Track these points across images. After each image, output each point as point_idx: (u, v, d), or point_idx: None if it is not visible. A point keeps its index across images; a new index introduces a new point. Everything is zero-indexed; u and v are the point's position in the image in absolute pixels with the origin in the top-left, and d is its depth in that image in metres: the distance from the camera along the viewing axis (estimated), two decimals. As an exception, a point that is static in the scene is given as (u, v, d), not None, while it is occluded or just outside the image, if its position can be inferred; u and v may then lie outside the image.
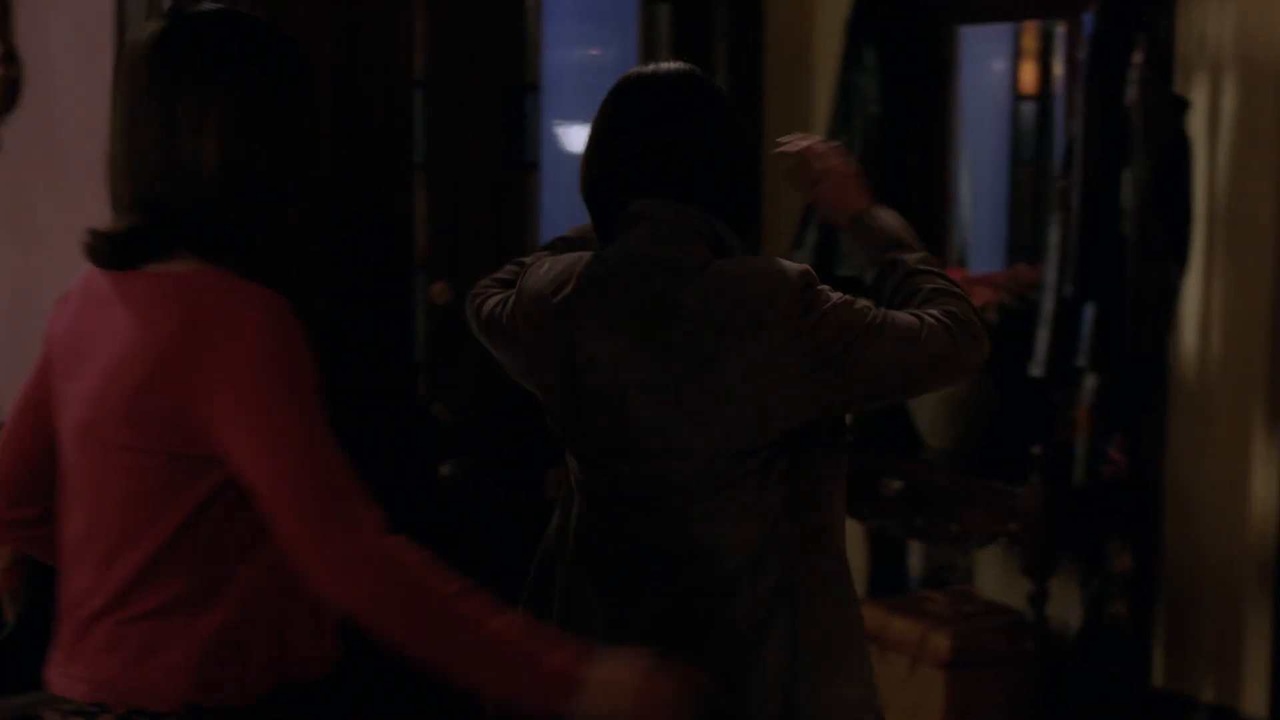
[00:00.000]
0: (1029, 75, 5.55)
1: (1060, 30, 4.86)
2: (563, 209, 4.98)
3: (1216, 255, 4.47)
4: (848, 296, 2.21)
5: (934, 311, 2.23)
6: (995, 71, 5.57)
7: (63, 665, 2.08)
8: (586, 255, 2.33)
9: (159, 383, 1.97)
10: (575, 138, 5.10)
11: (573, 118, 5.05)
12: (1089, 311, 4.35)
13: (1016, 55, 5.53)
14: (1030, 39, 5.48)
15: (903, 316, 2.22)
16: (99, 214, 2.12)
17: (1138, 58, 4.23)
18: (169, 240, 2.03)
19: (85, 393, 2.05)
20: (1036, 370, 4.43)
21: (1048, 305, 4.41)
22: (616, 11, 5.22)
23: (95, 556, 2.05)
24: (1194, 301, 4.48)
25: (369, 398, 3.80)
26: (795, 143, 2.56)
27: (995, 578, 5.01)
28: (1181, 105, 4.33)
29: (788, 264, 2.22)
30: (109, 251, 2.05)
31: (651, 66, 2.39)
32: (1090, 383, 4.39)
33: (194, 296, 2.00)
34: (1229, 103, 4.42)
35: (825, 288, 2.22)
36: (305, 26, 3.58)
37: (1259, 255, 4.36)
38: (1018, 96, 5.58)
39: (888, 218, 2.44)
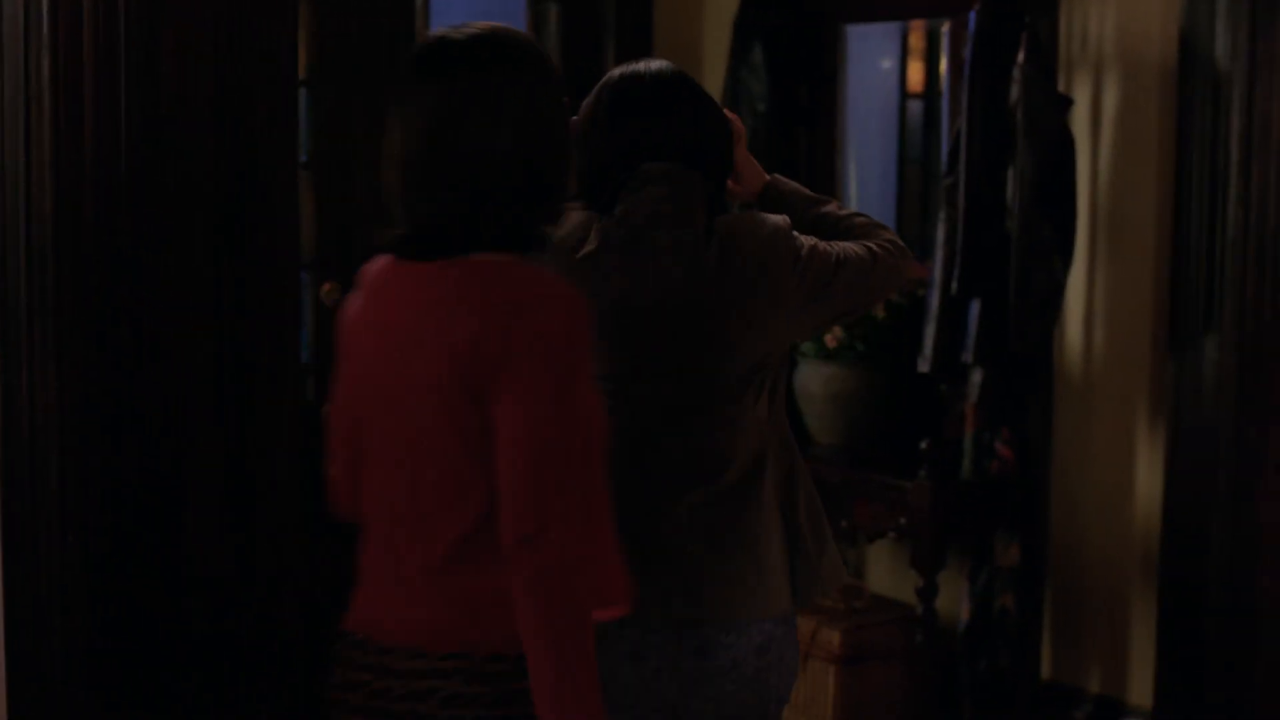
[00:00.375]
0: (916, 74, 5.60)
1: (945, 29, 4.90)
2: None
3: (1100, 252, 4.52)
4: (811, 239, 2.61)
5: (871, 244, 2.69)
6: (882, 70, 5.61)
7: (377, 612, 2.29)
8: (594, 214, 2.62)
9: (472, 362, 2.16)
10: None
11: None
12: (975, 308, 4.39)
13: (903, 54, 5.57)
14: (917, 38, 5.52)
15: (853, 249, 2.65)
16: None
17: (1020, 56, 4.28)
18: (479, 234, 2.25)
19: (409, 370, 2.23)
20: (924, 366, 4.47)
21: (934, 302, 4.45)
22: (504, 11, 5.20)
23: (420, 518, 2.25)
24: (1078, 298, 4.53)
25: (257, 400, 3.77)
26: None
27: (884, 572, 5.05)
28: (1064, 103, 4.38)
29: (773, 217, 2.60)
30: (423, 245, 2.27)
31: (642, 64, 2.76)
32: (976, 378, 4.44)
33: (514, 281, 2.22)
34: (1111, 100, 4.48)
35: (797, 234, 2.60)
36: (184, 23, 3.54)
37: (1142, 252, 4.42)
38: (905, 95, 5.62)
39: (787, 180, 2.86)
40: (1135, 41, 4.42)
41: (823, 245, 2.62)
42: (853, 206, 4.91)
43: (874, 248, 2.68)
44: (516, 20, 5.19)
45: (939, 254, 4.44)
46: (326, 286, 4.63)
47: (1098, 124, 4.50)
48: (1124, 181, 4.46)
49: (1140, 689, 4.49)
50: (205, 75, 3.54)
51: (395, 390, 2.26)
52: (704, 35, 5.51)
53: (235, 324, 3.67)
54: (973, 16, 4.37)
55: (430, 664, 2.22)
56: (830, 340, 4.53)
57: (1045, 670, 4.66)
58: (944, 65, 4.92)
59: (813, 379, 4.63)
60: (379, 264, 2.38)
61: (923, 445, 4.37)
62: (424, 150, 2.27)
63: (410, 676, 2.24)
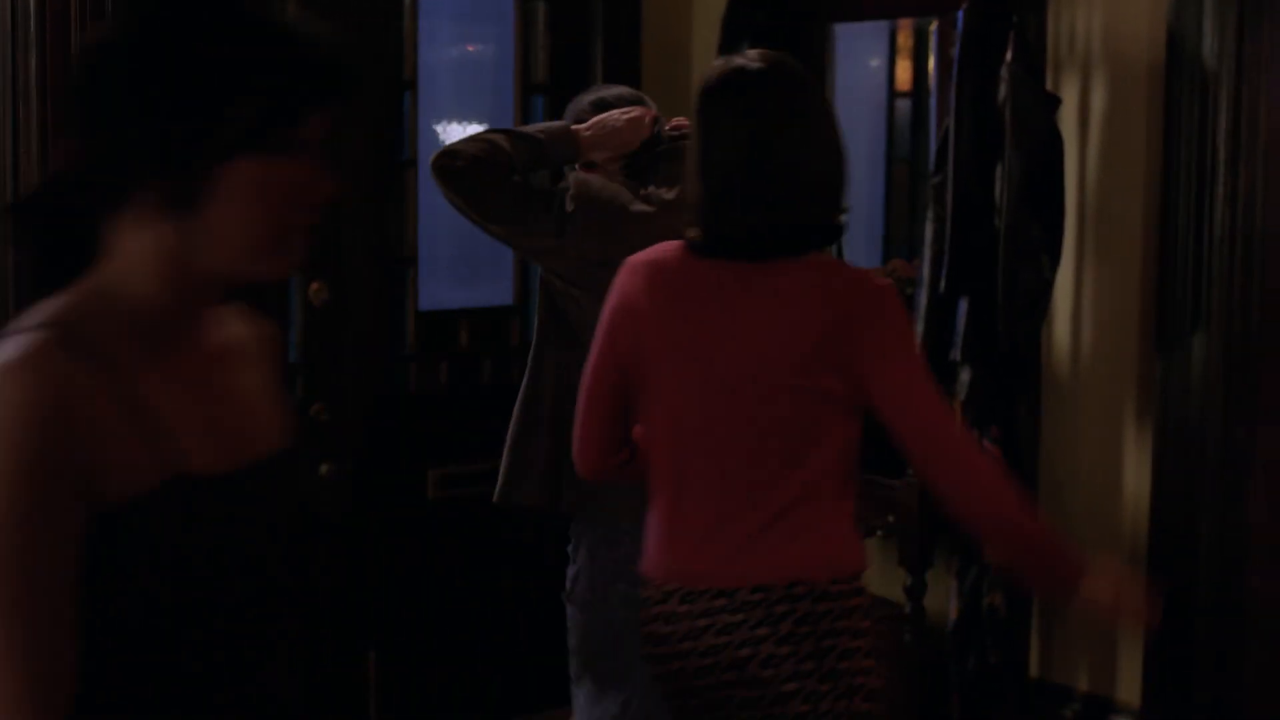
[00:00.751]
0: (904, 73, 5.60)
1: (934, 28, 4.91)
2: (441, 207, 4.95)
3: (1088, 251, 4.53)
4: None
5: None
6: (871, 68, 5.61)
7: (713, 563, 2.73)
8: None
9: (835, 339, 2.67)
10: (453, 135, 5.07)
11: (449, 115, 5.02)
12: (963, 306, 4.39)
13: (892, 53, 5.57)
14: (905, 37, 5.52)
15: None
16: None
17: (1008, 55, 4.29)
18: (807, 236, 2.74)
19: (761, 352, 2.68)
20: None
21: (922, 300, 4.45)
22: (493, 9, 5.19)
23: (759, 479, 2.71)
24: (1066, 297, 4.54)
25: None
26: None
27: (873, 570, 5.03)
28: (1053, 102, 4.38)
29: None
30: (757, 247, 2.71)
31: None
32: (965, 377, 4.44)
33: (849, 277, 2.76)
34: (1099, 99, 4.48)
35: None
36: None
37: (1129, 251, 4.43)
38: (893, 93, 5.63)
39: None
40: (1123, 41, 4.42)
41: None
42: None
43: None
44: (505, 18, 5.18)
45: (927, 253, 4.44)
46: (314, 286, 4.62)
47: (1085, 123, 4.51)
48: (1112, 180, 4.47)
49: (1129, 687, 4.50)
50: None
51: (740, 370, 2.69)
52: (693, 34, 5.51)
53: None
54: (961, 16, 4.37)
55: (779, 594, 2.69)
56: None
57: (1033, 668, 4.67)
58: (932, 64, 4.92)
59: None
60: (673, 259, 2.77)
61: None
62: (747, 165, 2.68)
63: (760, 607, 2.69)
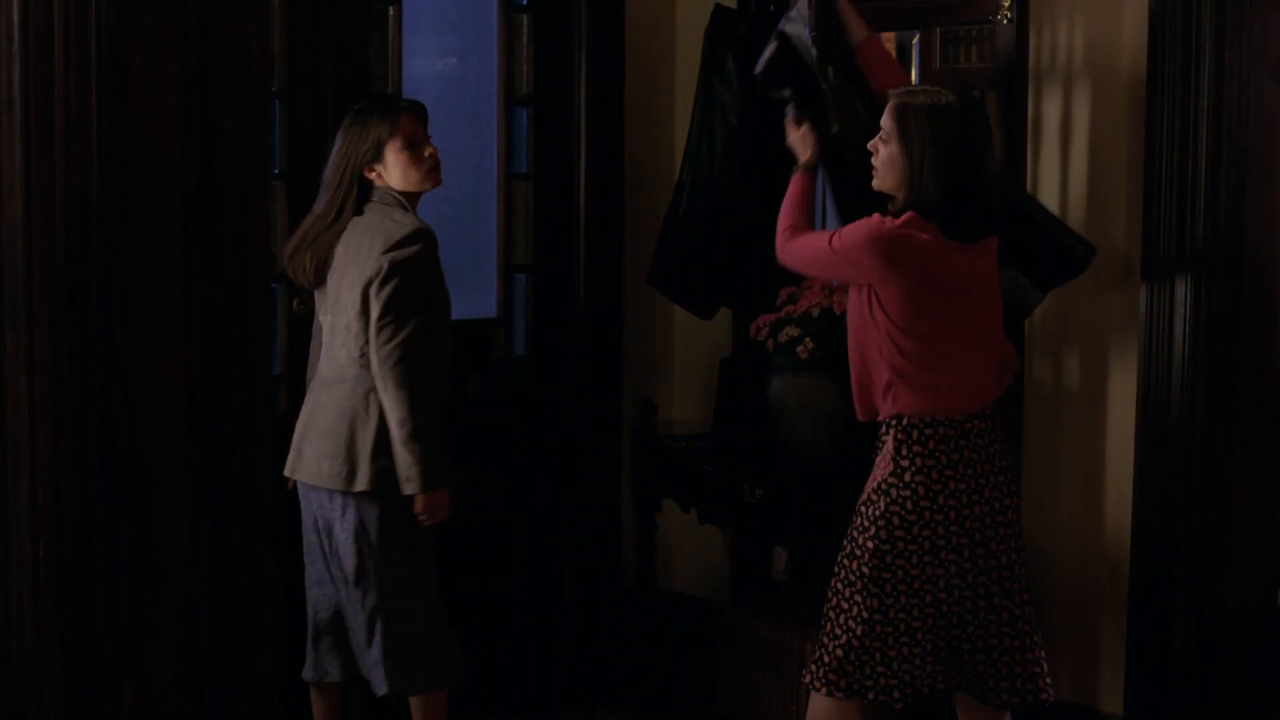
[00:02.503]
0: (887, 85, 5.60)
1: (915, 41, 4.92)
2: (426, 217, 4.96)
3: (1070, 261, 4.54)
4: None
5: None
6: (854, 81, 5.62)
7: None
8: None
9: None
10: (439, 148, 5.07)
11: (433, 127, 5.01)
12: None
13: (874, 65, 5.58)
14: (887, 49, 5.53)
15: None
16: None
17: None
18: (995, 223, 3.85)
19: (970, 296, 3.83)
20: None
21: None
22: (477, 20, 5.20)
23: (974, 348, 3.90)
24: (1049, 308, 4.55)
25: (230, 409, 3.77)
26: None
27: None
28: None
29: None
30: (979, 232, 3.79)
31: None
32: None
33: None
34: (1081, 112, 4.50)
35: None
36: (155, 34, 3.54)
37: (1112, 261, 4.44)
38: (877, 106, 5.63)
39: None
40: (1104, 55, 4.44)
41: None
42: (825, 216, 4.94)
43: None
44: (489, 29, 5.20)
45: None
46: (299, 298, 4.62)
47: (1068, 136, 4.53)
48: (1094, 192, 4.49)
49: (1111, 696, 4.51)
50: (176, 87, 3.54)
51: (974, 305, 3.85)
52: (676, 46, 5.53)
53: (206, 334, 3.68)
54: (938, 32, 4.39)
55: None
56: (802, 352, 4.55)
57: (1017, 679, 4.67)
58: (915, 77, 4.94)
59: (786, 390, 4.64)
60: (930, 237, 3.75)
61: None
62: (963, 173, 3.73)
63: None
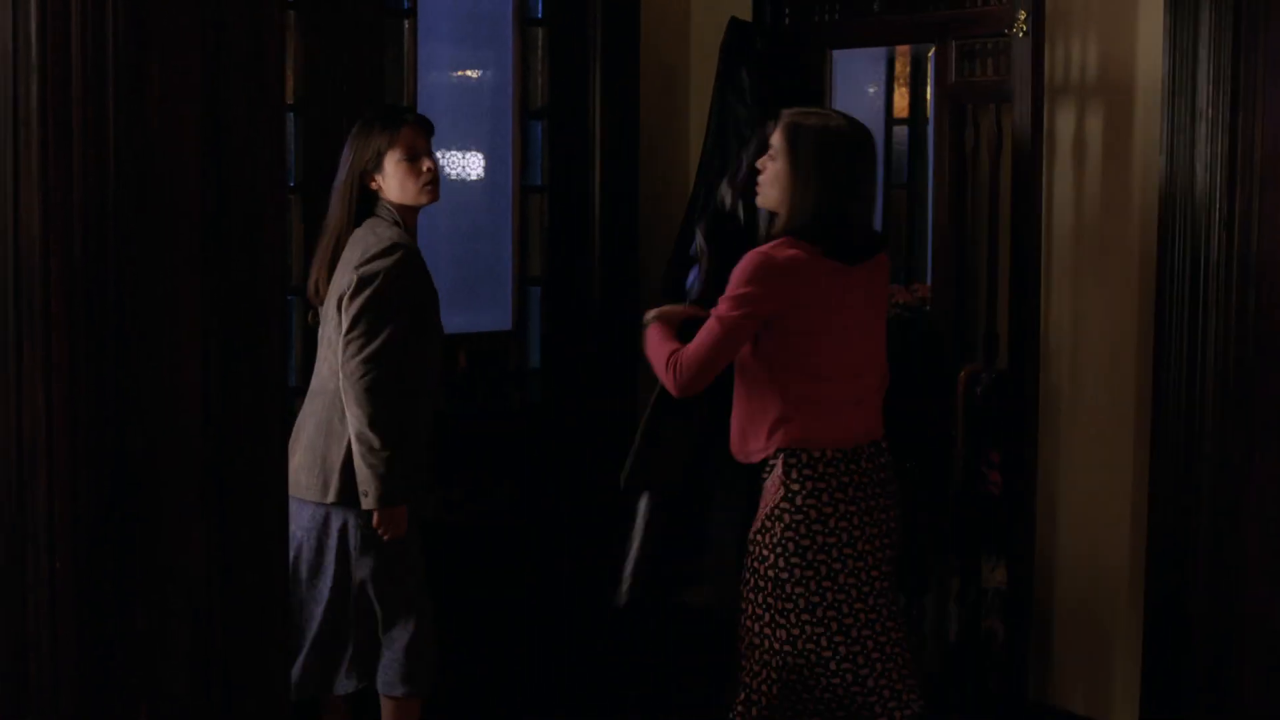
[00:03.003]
0: (902, 99, 5.62)
1: (931, 55, 4.93)
2: (441, 230, 4.97)
3: (1085, 275, 4.54)
4: None
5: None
6: (868, 95, 5.64)
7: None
8: None
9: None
10: (453, 161, 5.09)
11: (448, 139, 5.04)
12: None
13: (890, 80, 5.60)
14: (903, 64, 5.55)
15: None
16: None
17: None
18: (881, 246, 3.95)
19: (851, 319, 3.85)
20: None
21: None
22: (492, 34, 5.22)
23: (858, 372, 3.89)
24: (1064, 320, 4.55)
25: (241, 423, 3.77)
26: None
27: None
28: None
29: None
30: (859, 254, 3.82)
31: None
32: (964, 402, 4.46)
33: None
34: (1095, 125, 4.50)
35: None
36: (171, 46, 3.56)
37: (1126, 275, 4.44)
38: (891, 120, 5.65)
39: None
40: (1119, 68, 4.44)
41: None
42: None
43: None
44: (504, 43, 5.21)
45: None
46: (313, 311, 4.63)
47: (1082, 151, 4.53)
48: (1109, 206, 4.49)
49: (1126, 710, 4.50)
50: (192, 97, 3.55)
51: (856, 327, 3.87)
52: (690, 60, 5.54)
53: (222, 348, 3.68)
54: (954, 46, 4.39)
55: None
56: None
57: (1031, 691, 4.67)
58: (930, 91, 4.95)
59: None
60: (805, 255, 3.77)
61: (908, 465, 4.38)
62: (843, 196, 3.78)
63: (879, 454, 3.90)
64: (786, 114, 3.87)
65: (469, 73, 5.28)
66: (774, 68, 5.04)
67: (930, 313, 4.76)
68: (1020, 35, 4.39)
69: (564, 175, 5.33)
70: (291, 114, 4.59)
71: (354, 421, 3.99)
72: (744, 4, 5.21)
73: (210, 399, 3.71)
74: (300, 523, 4.14)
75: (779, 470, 3.78)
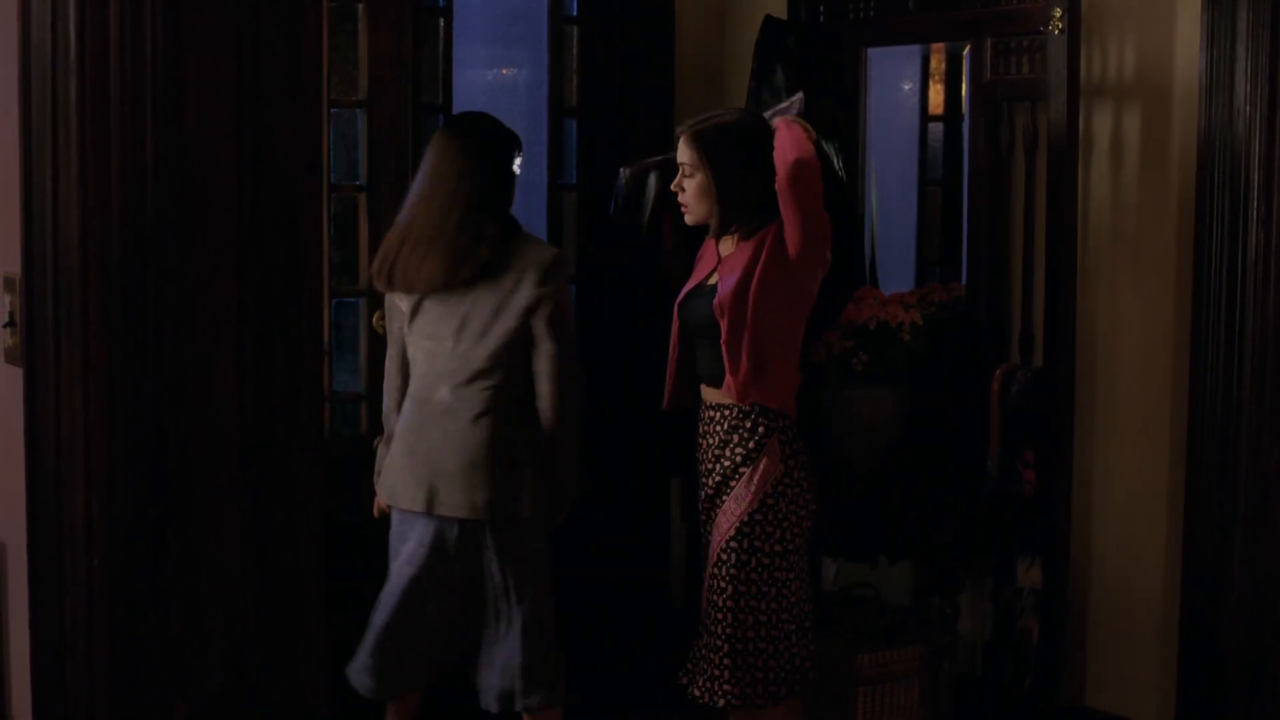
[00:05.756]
0: (937, 96, 5.60)
1: (966, 52, 4.91)
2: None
3: (1122, 275, 4.53)
4: None
5: None
6: (904, 92, 5.62)
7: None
8: None
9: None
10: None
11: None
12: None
13: (925, 77, 5.58)
14: (938, 61, 5.52)
15: None
16: None
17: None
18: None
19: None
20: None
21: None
22: (528, 32, 5.22)
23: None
24: (1101, 320, 4.53)
25: (278, 423, 3.78)
26: None
27: (908, 593, 5.05)
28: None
29: None
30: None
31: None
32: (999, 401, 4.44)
33: None
34: (1133, 126, 4.48)
35: None
36: (208, 49, 3.57)
37: (1163, 274, 4.42)
38: (926, 117, 5.63)
39: None
40: (1156, 68, 4.43)
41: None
42: (874, 228, 4.94)
43: None
44: (539, 42, 5.21)
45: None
46: (379, 314, 4.63)
47: (1119, 151, 4.51)
48: (1146, 205, 4.47)
49: (1162, 712, 4.49)
50: (229, 100, 3.56)
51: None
52: (725, 57, 5.53)
53: (258, 346, 3.69)
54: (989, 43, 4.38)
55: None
56: (857, 365, 4.54)
57: (1066, 692, 4.66)
58: (965, 88, 4.93)
59: (835, 402, 4.63)
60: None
61: (946, 466, 4.37)
62: (767, 182, 3.81)
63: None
64: (682, 128, 3.91)
65: (504, 71, 5.28)
66: (809, 65, 5.02)
67: (965, 311, 4.74)
68: (1056, 33, 4.37)
69: (598, 173, 5.33)
70: (358, 112, 4.61)
71: (571, 429, 4.08)
72: (779, 2, 5.20)
73: (246, 398, 3.72)
74: (457, 538, 4.10)
75: (774, 445, 3.84)
